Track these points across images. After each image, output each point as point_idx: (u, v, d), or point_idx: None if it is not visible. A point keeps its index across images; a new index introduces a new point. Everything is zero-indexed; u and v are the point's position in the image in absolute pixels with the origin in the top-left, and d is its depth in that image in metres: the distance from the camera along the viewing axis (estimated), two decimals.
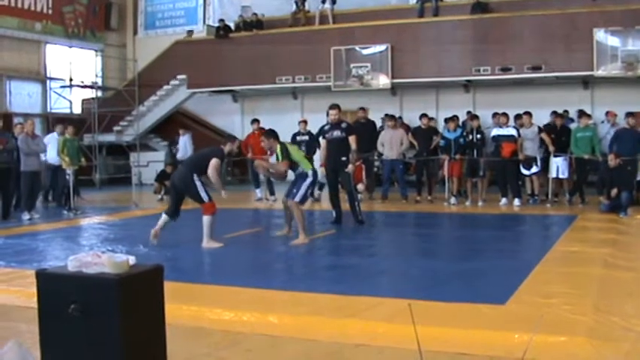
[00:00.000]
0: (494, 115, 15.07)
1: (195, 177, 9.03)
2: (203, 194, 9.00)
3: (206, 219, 9.02)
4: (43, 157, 13.91)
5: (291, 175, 9.61)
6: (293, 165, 9.36)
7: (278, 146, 9.29)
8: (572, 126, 14.30)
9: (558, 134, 13.63)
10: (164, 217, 9.24)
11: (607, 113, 14.80)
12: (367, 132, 14.60)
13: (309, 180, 9.30)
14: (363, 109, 15.43)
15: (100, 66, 24.98)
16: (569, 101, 17.59)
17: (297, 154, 9.51)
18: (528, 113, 13.75)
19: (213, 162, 8.96)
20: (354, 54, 19.50)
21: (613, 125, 13.96)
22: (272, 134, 9.56)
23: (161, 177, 16.96)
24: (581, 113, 14.01)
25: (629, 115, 13.03)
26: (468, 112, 17.01)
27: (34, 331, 3.59)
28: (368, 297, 5.71)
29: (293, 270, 7.70)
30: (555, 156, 13.31)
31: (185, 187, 9.10)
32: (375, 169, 16.76)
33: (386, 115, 15.51)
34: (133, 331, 3.39)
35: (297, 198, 9.21)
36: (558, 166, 13.35)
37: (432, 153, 14.58)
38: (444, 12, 19.67)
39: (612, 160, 11.83)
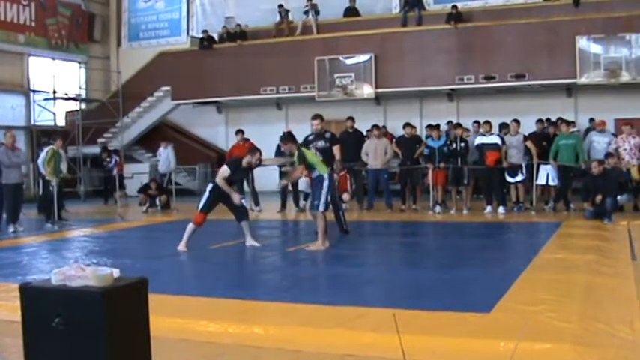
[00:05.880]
0: (475, 123, 15.14)
1: (210, 186, 9.86)
2: (201, 203, 9.70)
3: (190, 225, 9.70)
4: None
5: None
6: (308, 168, 9.55)
7: (296, 152, 9.49)
8: None
9: (550, 142, 13.68)
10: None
11: (591, 121, 14.86)
12: (354, 141, 14.62)
13: (326, 184, 9.38)
14: (351, 118, 15.43)
15: (83, 78, 24.95)
16: (553, 109, 17.68)
17: (313, 158, 9.68)
18: (516, 121, 13.81)
19: (221, 169, 9.79)
20: (337, 64, 19.57)
21: (601, 132, 13.93)
22: (289, 138, 9.77)
23: (145, 188, 16.89)
24: (562, 121, 14.08)
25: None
26: (449, 122, 17.03)
27: (19, 345, 3.56)
28: (354, 307, 5.69)
29: (278, 280, 7.67)
30: (544, 163, 13.37)
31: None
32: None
33: (373, 126, 15.52)
34: (118, 343, 3.37)
35: (321, 207, 9.40)
36: (549, 174, 13.40)
37: (416, 162, 14.61)
38: (427, 21, 19.77)
39: (595, 167, 11.91)
